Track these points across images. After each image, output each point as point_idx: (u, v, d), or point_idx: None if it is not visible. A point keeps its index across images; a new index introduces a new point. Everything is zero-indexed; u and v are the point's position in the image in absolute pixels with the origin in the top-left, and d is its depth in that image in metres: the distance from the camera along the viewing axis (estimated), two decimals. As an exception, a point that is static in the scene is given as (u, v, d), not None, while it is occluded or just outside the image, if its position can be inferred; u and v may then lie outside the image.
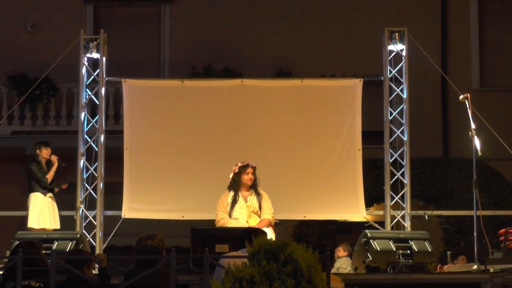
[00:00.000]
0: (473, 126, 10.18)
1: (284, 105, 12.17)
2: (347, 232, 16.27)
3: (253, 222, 10.15)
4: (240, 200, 10.29)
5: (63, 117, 16.65)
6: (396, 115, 12.09)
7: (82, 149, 11.97)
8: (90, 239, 11.68)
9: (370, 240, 9.86)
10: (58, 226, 11.72)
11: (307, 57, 17.03)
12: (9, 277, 7.37)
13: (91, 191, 11.90)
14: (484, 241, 10.13)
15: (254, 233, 7.63)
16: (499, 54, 17.61)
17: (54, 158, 11.89)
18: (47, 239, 10.02)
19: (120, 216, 11.95)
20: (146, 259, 7.57)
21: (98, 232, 11.74)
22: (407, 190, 11.83)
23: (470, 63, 17.48)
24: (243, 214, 10.22)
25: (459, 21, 17.57)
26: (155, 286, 7.38)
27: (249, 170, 10.36)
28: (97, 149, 12.00)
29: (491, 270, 9.63)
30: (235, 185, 10.37)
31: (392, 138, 12.08)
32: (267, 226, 10.19)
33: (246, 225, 9.80)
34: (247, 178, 10.34)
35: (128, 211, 11.96)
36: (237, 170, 10.39)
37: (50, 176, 11.78)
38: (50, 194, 11.80)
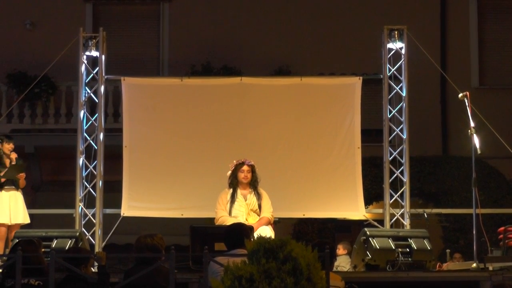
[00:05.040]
0: (472, 124, 10.17)
1: (283, 103, 12.17)
2: (346, 230, 16.29)
3: (252, 220, 10.15)
4: (239, 198, 10.29)
5: (62, 115, 16.65)
6: (396, 113, 12.09)
7: (81, 147, 11.96)
8: (90, 237, 11.68)
9: (370, 238, 9.86)
10: (21, 221, 11.20)
11: (307, 55, 17.04)
12: (8, 275, 7.37)
13: (90, 189, 11.89)
14: (483, 239, 10.13)
15: (238, 230, 7.65)
16: (498, 52, 17.61)
17: (13, 156, 11.32)
18: (46, 237, 10.00)
19: (119, 214, 11.94)
20: (145, 257, 7.58)
21: (98, 230, 11.74)
22: (406, 188, 11.83)
23: (469, 61, 17.49)
24: (243, 212, 10.22)
25: (459, 19, 17.58)
26: (154, 284, 7.38)
27: (244, 167, 10.35)
28: (96, 147, 12.00)
29: (490, 268, 9.63)
30: (232, 183, 10.37)
31: (392, 136, 12.08)
32: (267, 225, 10.19)
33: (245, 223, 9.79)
34: (242, 175, 10.32)
35: (128, 209, 11.96)
36: (233, 168, 10.40)
37: (2, 173, 11.17)
38: (11, 188, 11.22)
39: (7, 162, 11.20)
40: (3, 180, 11.11)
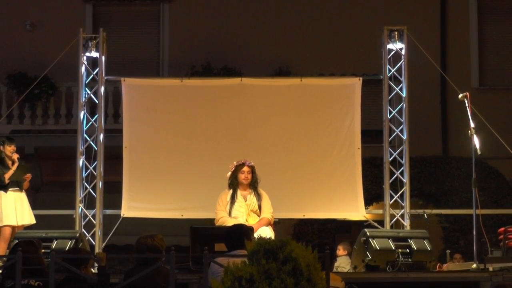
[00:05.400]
0: (472, 124, 10.18)
1: (283, 104, 12.17)
2: (346, 231, 16.29)
3: (253, 221, 10.14)
4: (239, 199, 10.29)
5: (62, 116, 16.66)
6: (396, 114, 12.09)
7: (81, 148, 11.96)
8: (90, 238, 11.68)
9: (370, 239, 9.86)
10: (28, 222, 11.23)
11: (307, 55, 17.03)
12: (8, 276, 7.37)
13: (91, 190, 11.89)
14: (483, 240, 10.13)
15: (239, 231, 7.65)
16: (498, 52, 17.61)
17: (15, 157, 11.24)
18: (46, 238, 10.01)
19: (120, 215, 11.94)
20: (146, 258, 7.58)
21: (98, 231, 11.74)
22: (406, 188, 11.83)
23: (469, 61, 17.49)
24: (243, 212, 10.22)
25: (459, 19, 17.58)
26: (154, 285, 7.39)
27: (245, 168, 10.34)
28: (96, 148, 12.00)
29: (490, 268, 9.63)
30: (232, 184, 10.37)
31: (392, 137, 12.08)
32: (267, 225, 10.19)
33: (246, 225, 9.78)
34: (242, 177, 10.32)
35: (128, 210, 11.96)
36: (233, 168, 10.40)
37: (8, 174, 11.12)
38: (16, 189, 11.20)
39: (9, 163, 11.20)
40: (8, 181, 11.12)
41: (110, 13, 17.86)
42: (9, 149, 11.27)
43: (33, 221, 11.32)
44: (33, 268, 7.43)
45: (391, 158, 11.95)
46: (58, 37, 15.61)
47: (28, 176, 11.26)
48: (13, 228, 11.16)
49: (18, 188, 11.17)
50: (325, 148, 12.07)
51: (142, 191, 12.01)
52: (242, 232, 7.56)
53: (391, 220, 11.77)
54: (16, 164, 11.21)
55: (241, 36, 17.34)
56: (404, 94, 12.03)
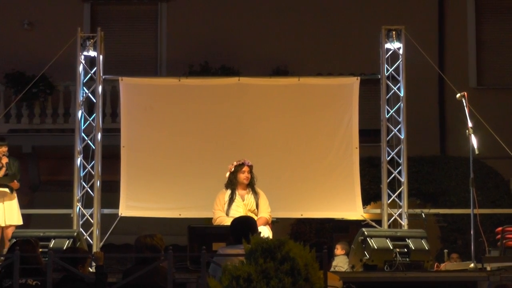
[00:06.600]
0: (470, 124, 10.18)
1: (281, 103, 12.17)
2: (344, 230, 16.29)
3: (250, 221, 10.14)
4: (237, 198, 10.29)
5: (60, 115, 16.64)
6: (393, 113, 12.10)
7: (79, 147, 11.95)
8: (87, 237, 11.68)
9: (367, 238, 9.86)
10: (15, 223, 11.24)
11: (304, 55, 17.04)
12: (6, 275, 7.36)
13: (88, 189, 11.88)
14: (481, 240, 10.14)
15: (244, 223, 7.63)
16: (496, 52, 17.62)
17: (4, 161, 11.23)
18: (44, 237, 10.01)
19: (117, 214, 11.94)
20: (144, 257, 7.58)
21: (95, 230, 11.73)
22: (404, 188, 11.83)
23: (467, 61, 17.50)
24: (240, 212, 10.21)
25: (456, 19, 17.58)
26: (153, 284, 7.39)
27: (245, 168, 10.35)
28: (94, 147, 11.99)
29: (488, 268, 9.64)
30: (231, 183, 10.36)
31: (389, 136, 12.09)
32: (264, 225, 10.20)
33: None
34: (243, 176, 10.33)
35: (125, 209, 11.96)
36: (233, 169, 10.39)
37: None
38: (4, 190, 11.24)
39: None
40: None
41: (108, 12, 17.86)
42: (0, 151, 11.22)
43: (20, 222, 11.30)
44: (31, 268, 7.42)
45: (389, 158, 11.96)
46: (56, 36, 15.61)
47: (14, 184, 11.24)
48: (2, 228, 11.15)
49: (6, 189, 11.13)
50: (323, 148, 12.07)
51: (140, 190, 12.01)
52: (249, 224, 7.54)
53: (388, 220, 11.77)
54: (3, 169, 11.18)
55: (239, 35, 17.34)
56: (402, 94, 12.03)
